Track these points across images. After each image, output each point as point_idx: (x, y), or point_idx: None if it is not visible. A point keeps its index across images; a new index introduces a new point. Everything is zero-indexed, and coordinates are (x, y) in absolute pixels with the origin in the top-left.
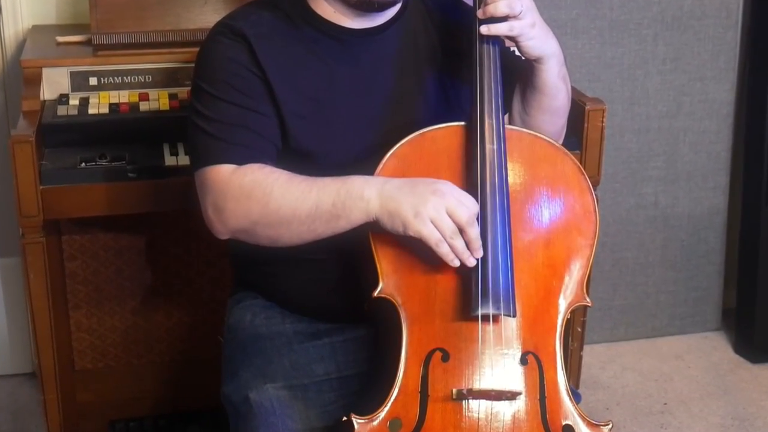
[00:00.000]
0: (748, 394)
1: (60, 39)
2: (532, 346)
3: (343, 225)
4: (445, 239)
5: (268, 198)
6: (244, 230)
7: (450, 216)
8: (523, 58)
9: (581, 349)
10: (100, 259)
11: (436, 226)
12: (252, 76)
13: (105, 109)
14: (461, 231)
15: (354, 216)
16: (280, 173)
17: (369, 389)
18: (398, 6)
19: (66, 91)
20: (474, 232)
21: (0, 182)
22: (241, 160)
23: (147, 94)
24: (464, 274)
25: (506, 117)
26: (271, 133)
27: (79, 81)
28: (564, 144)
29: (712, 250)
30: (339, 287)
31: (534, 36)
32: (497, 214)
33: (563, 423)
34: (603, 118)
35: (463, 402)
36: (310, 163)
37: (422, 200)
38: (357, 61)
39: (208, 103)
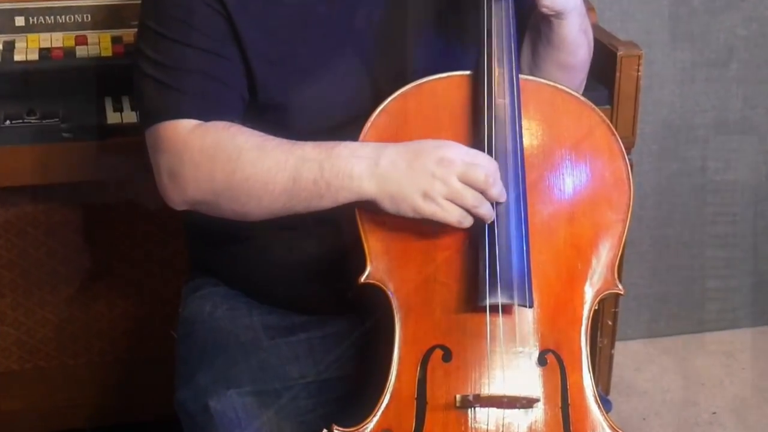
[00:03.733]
0: None
1: None
2: (552, 343)
3: (326, 204)
4: (469, 211)
5: (234, 165)
6: (204, 201)
7: (466, 183)
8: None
9: (612, 346)
10: (29, 237)
11: (454, 202)
12: (211, 11)
13: (34, 56)
14: (483, 193)
15: (341, 196)
16: (250, 134)
17: (354, 395)
18: None
19: None
20: (496, 190)
21: None
22: (201, 115)
23: (85, 37)
24: (470, 255)
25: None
26: (236, 81)
27: (2, 21)
28: (589, 97)
29: None
30: (318, 271)
31: None
32: (510, 182)
33: None
34: (639, 65)
35: (469, 410)
36: (282, 119)
37: (427, 177)
38: None
39: (159, 46)
